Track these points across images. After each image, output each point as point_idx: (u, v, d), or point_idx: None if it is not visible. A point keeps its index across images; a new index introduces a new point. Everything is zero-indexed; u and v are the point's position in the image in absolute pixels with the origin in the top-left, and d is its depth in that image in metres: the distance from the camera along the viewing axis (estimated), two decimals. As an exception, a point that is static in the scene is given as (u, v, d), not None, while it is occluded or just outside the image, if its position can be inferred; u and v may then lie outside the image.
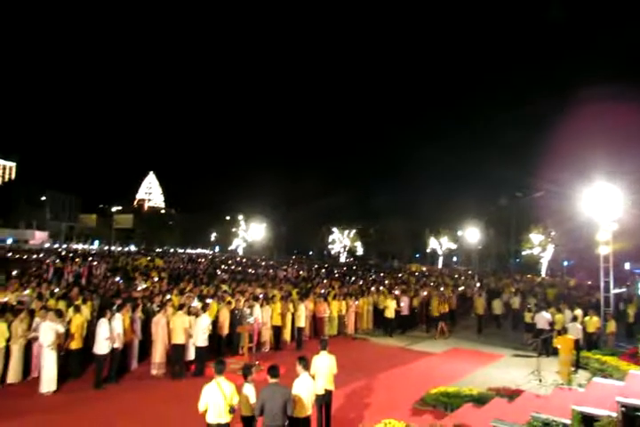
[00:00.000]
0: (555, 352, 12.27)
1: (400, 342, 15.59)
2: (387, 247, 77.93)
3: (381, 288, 21.11)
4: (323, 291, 18.19)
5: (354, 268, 44.29)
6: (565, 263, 49.79)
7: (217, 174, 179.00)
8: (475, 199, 63.90)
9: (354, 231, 76.48)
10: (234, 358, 11.36)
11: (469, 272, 41.89)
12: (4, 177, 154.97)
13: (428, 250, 70.25)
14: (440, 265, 65.47)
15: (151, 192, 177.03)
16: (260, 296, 14.16)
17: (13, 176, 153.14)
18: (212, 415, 5.71)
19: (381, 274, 33.99)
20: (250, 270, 30.95)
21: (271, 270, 32.21)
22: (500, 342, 16.22)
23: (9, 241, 64.95)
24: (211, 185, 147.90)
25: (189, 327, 10.40)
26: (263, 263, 41.78)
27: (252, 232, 74.39)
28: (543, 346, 12.79)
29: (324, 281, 23.83)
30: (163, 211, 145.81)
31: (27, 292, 13.31)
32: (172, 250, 76.67)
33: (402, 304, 17.32)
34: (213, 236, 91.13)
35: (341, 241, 76.85)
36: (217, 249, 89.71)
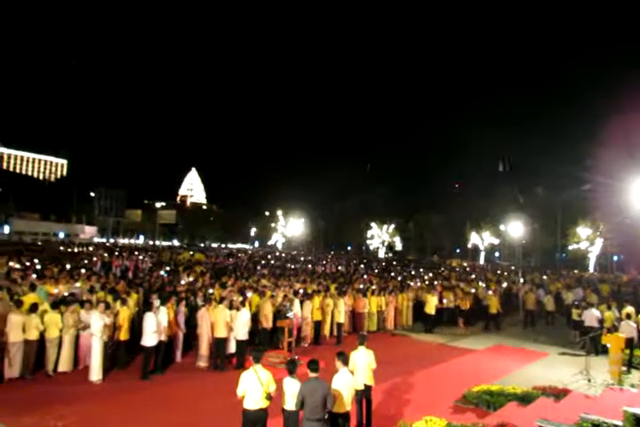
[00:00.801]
0: (605, 351, 11.79)
1: (440, 339, 15.36)
2: (426, 242, 76.89)
3: (420, 284, 20.87)
4: (362, 286, 18.15)
5: (393, 263, 43.92)
6: (615, 258, 47.75)
7: (257, 170, 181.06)
8: (519, 193, 62.21)
9: (392, 226, 75.76)
10: (274, 351, 11.50)
11: (512, 268, 40.78)
12: (56, 174, 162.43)
13: (470, 245, 68.61)
14: (482, 260, 63.99)
15: (193, 188, 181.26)
16: (300, 291, 14.25)
17: (65, 173, 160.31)
18: (250, 401, 5.94)
19: (421, 269, 33.59)
20: (289, 265, 31.21)
21: (310, 266, 32.38)
22: (547, 339, 15.73)
23: (61, 235, 68.12)
24: (250, 181, 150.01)
25: (230, 321, 10.59)
26: (302, 258, 42.07)
27: (290, 227, 75.03)
28: (592, 344, 12.31)
29: (364, 276, 23.75)
30: (204, 206, 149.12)
31: (77, 284, 13.86)
32: (213, 245, 78.45)
33: (444, 300, 17.10)
34: (253, 231, 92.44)
35: (380, 236, 76.33)
36: (256, 244, 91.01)
